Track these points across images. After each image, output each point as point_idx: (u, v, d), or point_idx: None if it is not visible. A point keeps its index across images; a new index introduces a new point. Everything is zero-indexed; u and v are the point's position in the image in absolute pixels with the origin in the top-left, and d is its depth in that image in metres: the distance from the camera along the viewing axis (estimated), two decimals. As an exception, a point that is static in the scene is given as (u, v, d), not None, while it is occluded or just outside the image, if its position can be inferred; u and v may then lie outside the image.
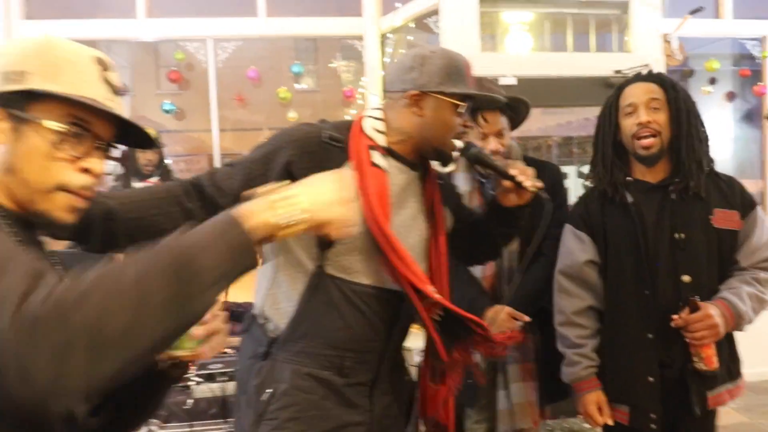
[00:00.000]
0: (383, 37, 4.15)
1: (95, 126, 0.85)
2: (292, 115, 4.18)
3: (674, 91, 1.65)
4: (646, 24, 3.85)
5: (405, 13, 3.92)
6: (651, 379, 1.63)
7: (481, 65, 3.51)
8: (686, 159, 1.63)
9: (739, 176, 5.04)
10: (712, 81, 4.57)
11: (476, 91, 1.43)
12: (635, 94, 1.67)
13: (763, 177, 4.71)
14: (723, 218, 1.65)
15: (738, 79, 4.71)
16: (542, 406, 2.05)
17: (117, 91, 0.89)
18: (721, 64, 4.50)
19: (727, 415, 3.66)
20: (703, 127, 1.69)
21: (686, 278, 1.62)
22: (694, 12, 3.93)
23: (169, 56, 4.36)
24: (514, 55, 3.86)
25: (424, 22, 3.82)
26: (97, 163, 0.86)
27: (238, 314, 3.38)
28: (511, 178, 1.43)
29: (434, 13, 3.69)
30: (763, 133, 4.68)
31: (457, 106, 1.39)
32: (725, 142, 4.98)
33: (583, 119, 4.50)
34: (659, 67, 3.86)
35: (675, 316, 1.57)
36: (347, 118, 4.26)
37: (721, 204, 1.66)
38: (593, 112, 4.27)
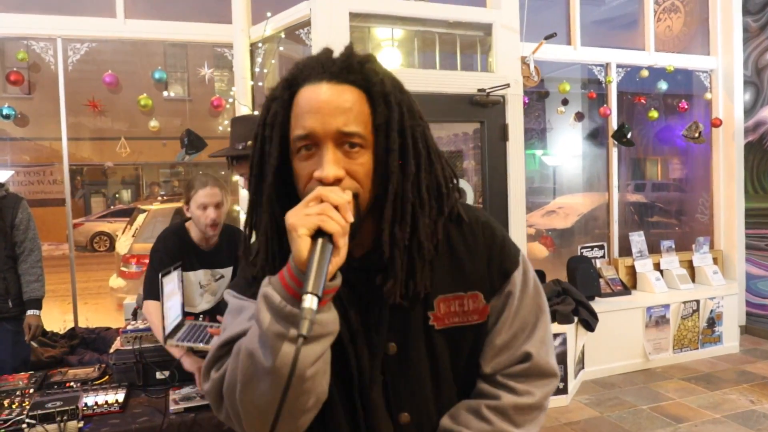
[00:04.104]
0: (253, 46, 4.05)
1: None
2: (154, 124, 3.92)
3: (386, 109, 0.91)
4: (507, 46, 4.10)
5: (275, 23, 3.84)
6: None
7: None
8: (389, 224, 0.91)
9: (587, 190, 5.56)
10: (565, 102, 4.96)
11: None
12: (317, 117, 0.87)
13: (608, 190, 5.19)
14: (451, 312, 0.99)
15: (586, 101, 5.15)
16: None
17: None
18: (571, 87, 4.90)
19: (578, 410, 3.96)
20: (433, 168, 0.97)
21: (405, 417, 1.00)
22: (548, 37, 4.26)
23: (14, 56, 3.93)
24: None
25: (295, 34, 3.76)
26: None
27: (91, 340, 3.08)
28: None
29: (306, 24, 3.65)
30: (608, 150, 5.17)
31: None
32: (575, 159, 5.42)
33: (452, 135, 4.69)
34: (518, 87, 4.12)
35: None
36: (219, 128, 4.13)
37: (451, 283, 0.99)
38: (461, 128, 4.49)
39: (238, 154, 2.17)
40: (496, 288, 1.01)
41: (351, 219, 0.82)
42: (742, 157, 5.43)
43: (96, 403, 2.02)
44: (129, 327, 2.37)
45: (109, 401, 2.03)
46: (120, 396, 2.07)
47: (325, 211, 0.80)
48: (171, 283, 2.25)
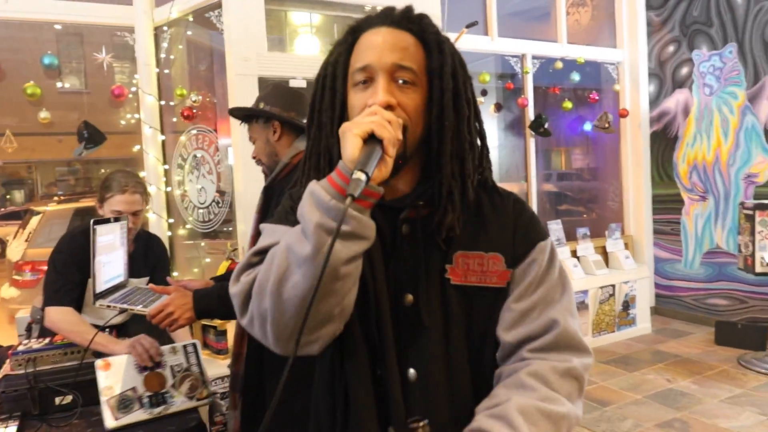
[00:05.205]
0: (158, 30, 3.72)
1: None
2: (45, 115, 3.51)
3: (441, 55, 0.97)
4: (428, 35, 4.01)
5: (182, 5, 3.54)
6: None
7: (269, 66, 3.36)
8: (437, 166, 0.97)
9: (504, 180, 5.62)
10: (484, 92, 4.96)
11: None
12: (375, 52, 0.95)
13: (527, 180, 5.27)
14: (469, 270, 0.99)
15: (504, 92, 5.19)
16: None
17: None
18: (490, 78, 4.92)
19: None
20: (479, 119, 1.04)
21: (412, 373, 0.98)
22: (470, 26, 4.22)
23: None
24: (301, 57, 3.71)
25: (205, 17, 3.48)
26: None
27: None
28: None
29: (216, 6, 3.38)
30: (525, 140, 5.24)
31: None
32: (491, 150, 5.47)
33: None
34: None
35: None
36: (122, 122, 3.77)
37: (473, 241, 1.00)
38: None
39: (252, 112, 2.10)
40: (519, 255, 1.00)
41: (400, 136, 0.88)
42: (649, 146, 5.68)
43: (-22, 441, 1.71)
44: (20, 348, 2.05)
45: (-4, 437, 1.73)
46: (11, 430, 1.77)
47: (378, 120, 0.85)
48: (110, 234, 2.01)
